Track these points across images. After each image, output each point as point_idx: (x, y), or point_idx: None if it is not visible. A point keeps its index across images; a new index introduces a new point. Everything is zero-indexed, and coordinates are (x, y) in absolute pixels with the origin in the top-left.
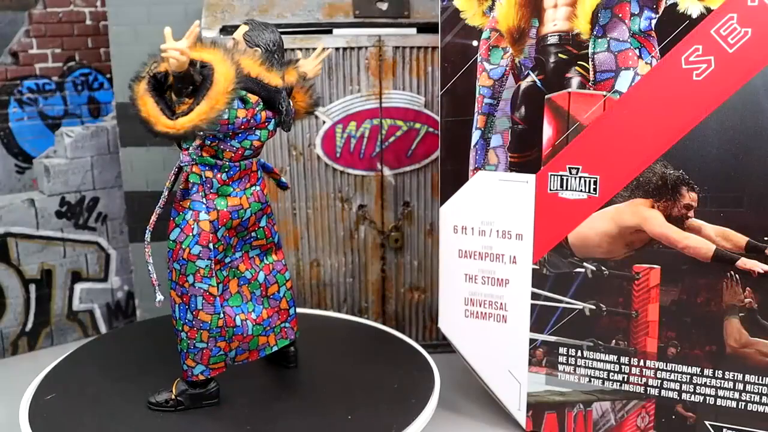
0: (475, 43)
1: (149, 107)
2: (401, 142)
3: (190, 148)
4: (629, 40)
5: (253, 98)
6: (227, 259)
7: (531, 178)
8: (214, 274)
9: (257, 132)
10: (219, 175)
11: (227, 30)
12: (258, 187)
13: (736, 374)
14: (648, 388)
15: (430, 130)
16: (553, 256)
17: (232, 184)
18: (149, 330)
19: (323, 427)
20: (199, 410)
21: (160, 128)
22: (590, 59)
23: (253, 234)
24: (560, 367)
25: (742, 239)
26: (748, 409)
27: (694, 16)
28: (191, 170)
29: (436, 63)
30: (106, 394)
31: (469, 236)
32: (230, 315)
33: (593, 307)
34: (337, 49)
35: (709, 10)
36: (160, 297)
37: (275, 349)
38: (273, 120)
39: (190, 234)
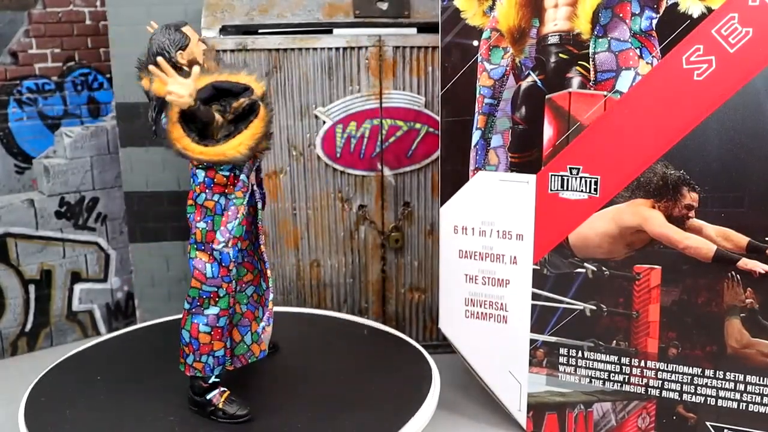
0: (475, 42)
1: None
2: (401, 142)
3: None
4: (630, 40)
5: None
6: None
7: (531, 178)
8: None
9: None
10: None
11: (227, 30)
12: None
13: (737, 375)
14: (649, 389)
15: (431, 130)
16: (554, 257)
17: None
18: (150, 332)
19: (323, 427)
20: (242, 411)
21: None
22: (591, 59)
23: None
24: (561, 368)
25: (743, 239)
26: (749, 409)
27: (695, 16)
28: None
29: (436, 63)
30: (105, 396)
31: (470, 236)
32: None
33: (594, 307)
34: (337, 49)
35: (710, 10)
36: None
37: None
38: None
39: None
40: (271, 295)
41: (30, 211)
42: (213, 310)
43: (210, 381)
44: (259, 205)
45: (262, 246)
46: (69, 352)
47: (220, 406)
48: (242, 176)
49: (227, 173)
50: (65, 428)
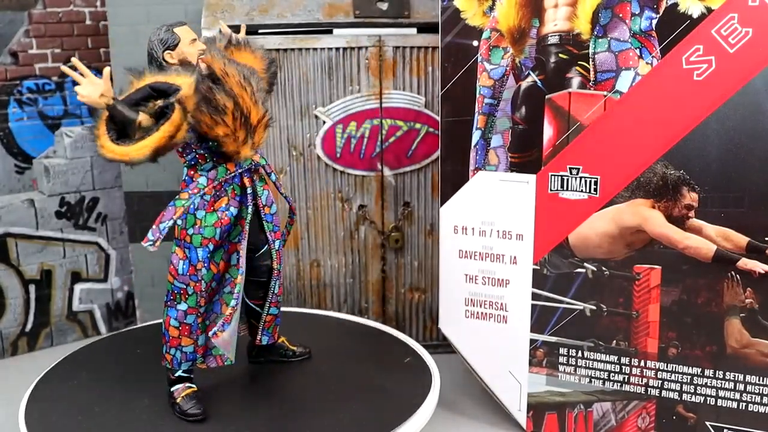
0: (475, 43)
1: None
2: (401, 142)
3: None
4: (630, 40)
5: None
6: None
7: (531, 178)
8: None
9: None
10: None
11: None
12: None
13: (736, 375)
14: (649, 389)
15: (430, 130)
16: (554, 257)
17: None
18: (150, 332)
19: (323, 425)
20: (195, 410)
21: None
22: (591, 59)
23: None
24: (561, 368)
25: (742, 239)
26: (749, 409)
27: (695, 16)
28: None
29: (436, 63)
30: (105, 395)
31: (470, 236)
32: None
33: (594, 307)
34: (337, 49)
35: (709, 10)
36: None
37: None
38: None
39: None
40: (233, 302)
41: (30, 211)
42: (182, 306)
43: (176, 374)
44: (268, 210)
45: (242, 251)
46: (69, 352)
47: (178, 400)
48: (200, 179)
49: (206, 173)
50: (65, 428)
